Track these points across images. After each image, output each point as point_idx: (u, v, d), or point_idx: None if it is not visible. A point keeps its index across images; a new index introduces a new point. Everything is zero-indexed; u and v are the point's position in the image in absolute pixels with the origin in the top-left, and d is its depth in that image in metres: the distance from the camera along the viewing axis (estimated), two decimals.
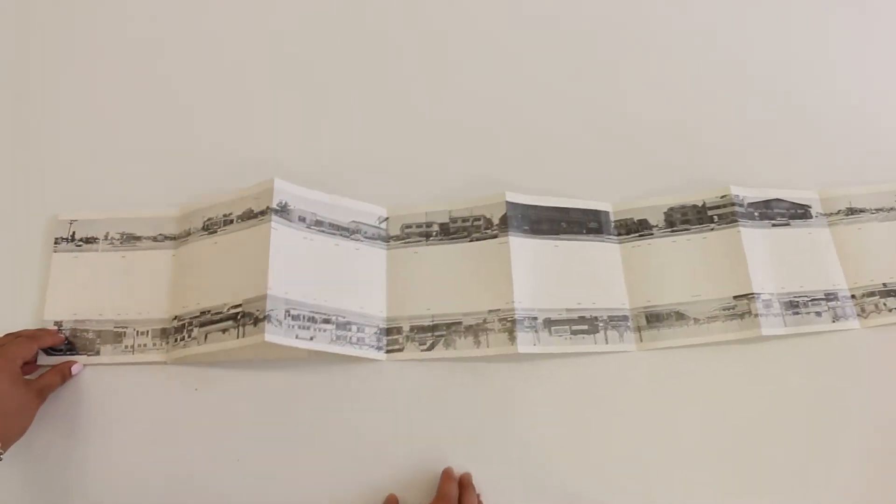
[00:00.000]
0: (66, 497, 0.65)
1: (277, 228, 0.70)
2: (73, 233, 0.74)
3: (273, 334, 0.66)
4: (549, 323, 0.70)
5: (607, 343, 0.71)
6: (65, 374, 0.67)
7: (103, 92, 0.81)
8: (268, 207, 0.70)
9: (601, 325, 0.71)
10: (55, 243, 0.73)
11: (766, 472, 0.67)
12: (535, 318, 0.70)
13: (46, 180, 0.77)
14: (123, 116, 0.80)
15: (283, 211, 0.71)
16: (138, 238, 0.74)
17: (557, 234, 0.74)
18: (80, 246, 0.73)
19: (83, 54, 0.83)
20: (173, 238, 0.74)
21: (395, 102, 0.81)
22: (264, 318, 0.66)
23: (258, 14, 0.86)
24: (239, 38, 0.85)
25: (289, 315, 0.68)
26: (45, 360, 0.69)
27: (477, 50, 0.84)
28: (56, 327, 0.70)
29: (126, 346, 0.70)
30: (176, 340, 0.69)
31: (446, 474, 0.64)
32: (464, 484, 0.64)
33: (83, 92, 0.81)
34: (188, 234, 0.73)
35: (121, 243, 0.73)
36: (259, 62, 0.83)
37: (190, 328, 0.69)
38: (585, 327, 0.71)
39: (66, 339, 0.70)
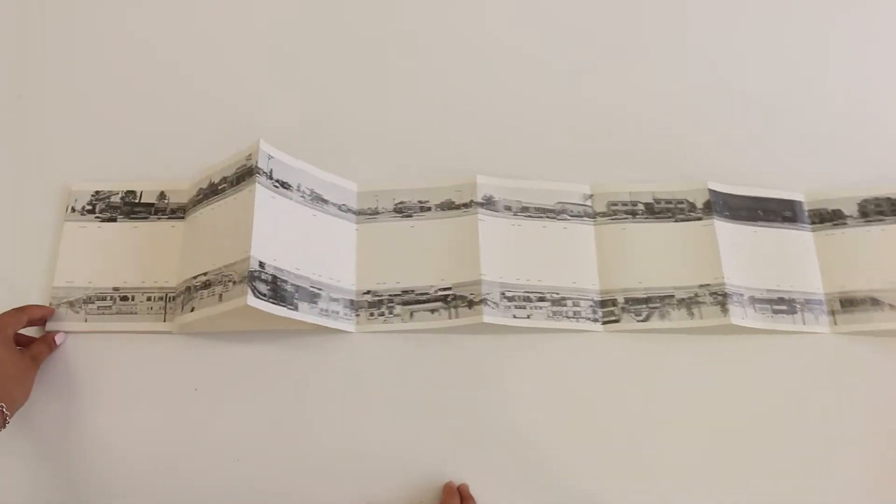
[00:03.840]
0: (70, 462, 0.67)
1: (485, 220, 0.74)
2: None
3: (491, 316, 0.70)
4: (752, 301, 0.74)
5: (804, 324, 0.74)
6: (50, 344, 0.68)
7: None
8: (471, 201, 0.74)
9: (798, 306, 0.75)
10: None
11: None
12: (742, 295, 0.74)
13: (59, 150, 0.78)
14: (142, 95, 0.81)
15: (488, 203, 0.75)
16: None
17: (755, 220, 0.78)
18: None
19: (90, 32, 0.84)
20: (357, 212, 0.76)
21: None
22: (480, 301, 0.70)
23: None
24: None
25: (504, 297, 0.71)
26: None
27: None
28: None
29: (322, 310, 0.70)
30: (372, 315, 0.71)
31: (448, 489, 0.65)
32: (464, 495, 0.65)
33: (94, 67, 0.83)
34: (376, 212, 0.76)
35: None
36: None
37: (391, 305, 0.72)
38: (784, 307, 0.74)
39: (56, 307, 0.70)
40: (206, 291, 0.67)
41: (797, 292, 0.75)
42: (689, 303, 0.73)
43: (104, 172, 0.76)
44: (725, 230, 0.76)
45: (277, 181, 0.71)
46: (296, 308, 0.67)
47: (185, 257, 0.72)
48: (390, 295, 0.72)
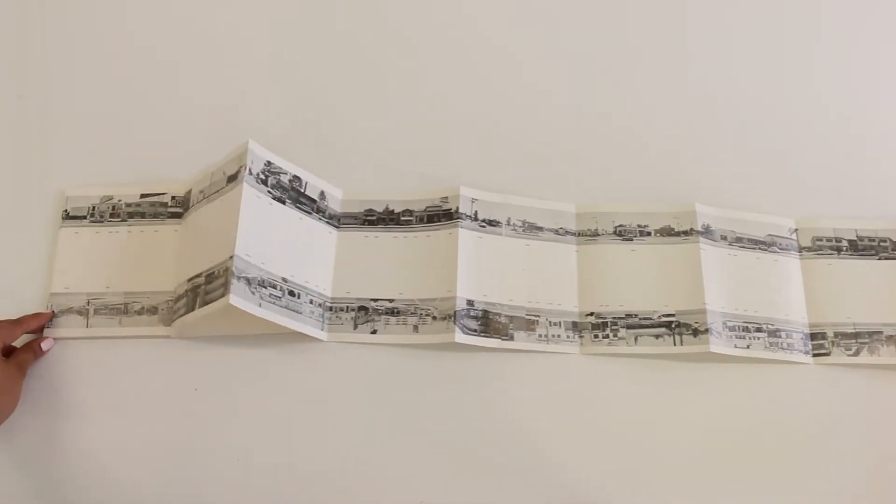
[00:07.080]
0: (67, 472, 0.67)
1: (706, 249, 0.76)
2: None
3: (717, 345, 0.73)
4: None
5: None
6: (36, 351, 0.68)
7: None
8: (692, 229, 0.77)
9: None
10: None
11: None
12: None
13: (57, 154, 0.78)
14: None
15: (707, 232, 0.77)
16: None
17: None
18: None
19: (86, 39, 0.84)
20: (576, 234, 0.78)
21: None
22: (706, 330, 0.73)
23: None
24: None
25: (726, 326, 0.74)
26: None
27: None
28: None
29: (541, 335, 0.73)
30: (596, 336, 0.74)
31: None
32: None
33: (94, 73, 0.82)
34: (596, 233, 0.78)
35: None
36: None
37: (615, 328, 0.74)
38: None
39: (54, 312, 0.71)
40: (393, 318, 0.72)
41: None
42: None
43: (102, 175, 0.76)
44: None
45: (484, 221, 0.75)
46: (511, 338, 0.72)
47: (343, 269, 0.74)
48: (614, 318, 0.74)
